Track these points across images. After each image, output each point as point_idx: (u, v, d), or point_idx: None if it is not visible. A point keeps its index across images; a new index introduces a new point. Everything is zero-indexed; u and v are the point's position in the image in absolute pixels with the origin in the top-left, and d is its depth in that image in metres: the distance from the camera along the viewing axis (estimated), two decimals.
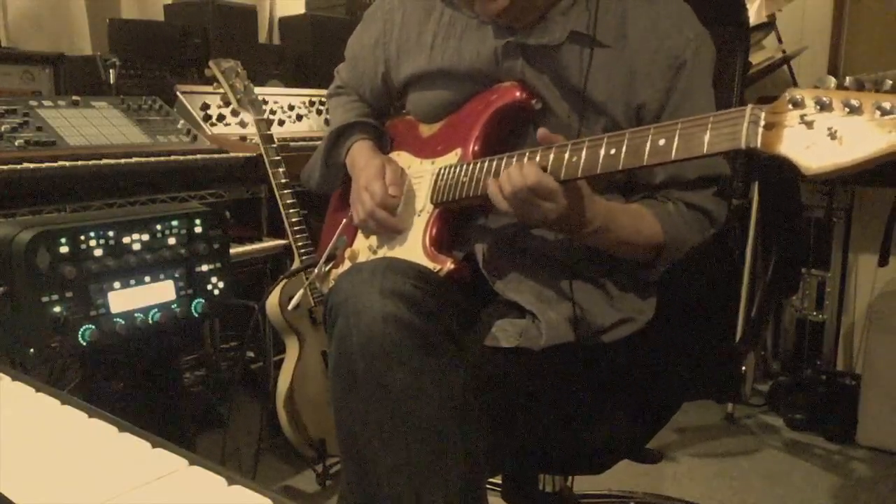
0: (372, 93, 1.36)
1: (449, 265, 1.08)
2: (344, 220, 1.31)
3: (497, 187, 1.00)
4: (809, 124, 0.74)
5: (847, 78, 0.73)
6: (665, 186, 1.11)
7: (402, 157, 1.27)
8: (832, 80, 0.74)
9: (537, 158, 0.98)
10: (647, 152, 0.87)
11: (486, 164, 1.07)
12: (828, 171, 0.72)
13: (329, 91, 1.46)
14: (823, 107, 0.73)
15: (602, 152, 0.91)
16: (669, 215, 1.09)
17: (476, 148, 1.13)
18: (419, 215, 1.17)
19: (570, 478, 1.41)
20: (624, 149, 0.89)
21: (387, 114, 1.40)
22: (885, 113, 0.69)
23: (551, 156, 0.96)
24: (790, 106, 0.76)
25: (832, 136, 0.72)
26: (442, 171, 1.15)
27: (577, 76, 1.08)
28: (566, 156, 0.94)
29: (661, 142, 0.86)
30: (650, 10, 1.10)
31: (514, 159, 1.02)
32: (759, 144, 0.78)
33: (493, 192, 1.01)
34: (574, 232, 1.02)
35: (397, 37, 1.26)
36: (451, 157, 1.16)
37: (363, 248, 1.27)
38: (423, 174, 1.20)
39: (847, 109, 0.71)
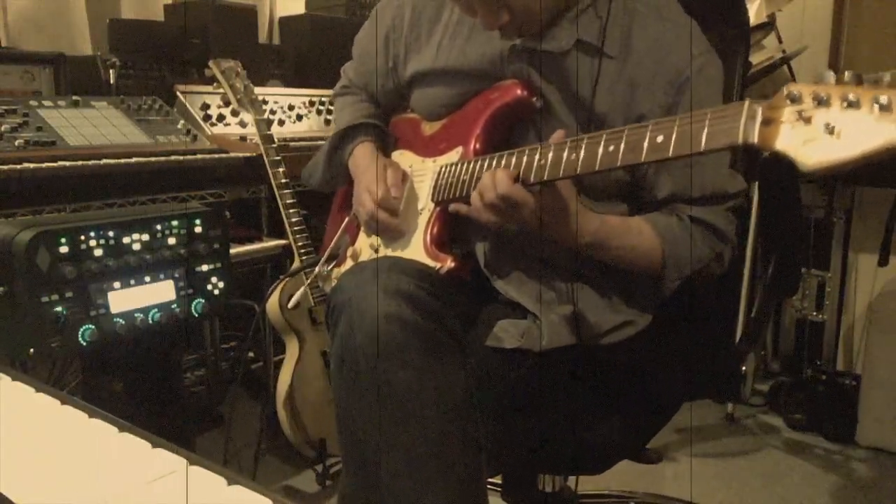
0: (381, 90, 1.35)
1: (449, 263, 1.08)
2: (347, 219, 1.31)
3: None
4: (807, 119, 0.73)
5: (846, 73, 0.72)
6: (671, 201, 1.09)
7: (404, 156, 1.27)
8: (831, 75, 0.73)
9: (536, 156, 0.97)
10: (645, 149, 0.87)
11: (486, 162, 1.07)
12: (825, 166, 0.71)
13: (335, 90, 1.45)
14: (821, 102, 0.72)
15: (601, 150, 0.91)
16: (671, 230, 1.07)
17: (477, 146, 1.13)
18: (420, 214, 1.17)
19: (569, 478, 1.41)
20: (622, 145, 0.89)
21: (396, 112, 1.40)
22: (883, 108, 0.68)
23: (550, 154, 0.96)
24: (788, 101, 0.74)
25: (830, 131, 0.71)
26: (443, 170, 1.15)
27: (580, 85, 1.08)
28: (565, 153, 0.94)
29: (660, 138, 0.85)
30: (656, 24, 1.09)
31: (514, 157, 1.01)
32: (756, 140, 0.76)
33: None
34: (564, 242, 1.03)
35: (406, 34, 1.26)
36: (453, 156, 1.16)
37: (365, 246, 1.27)
38: (424, 172, 1.20)
39: (845, 104, 0.70)
